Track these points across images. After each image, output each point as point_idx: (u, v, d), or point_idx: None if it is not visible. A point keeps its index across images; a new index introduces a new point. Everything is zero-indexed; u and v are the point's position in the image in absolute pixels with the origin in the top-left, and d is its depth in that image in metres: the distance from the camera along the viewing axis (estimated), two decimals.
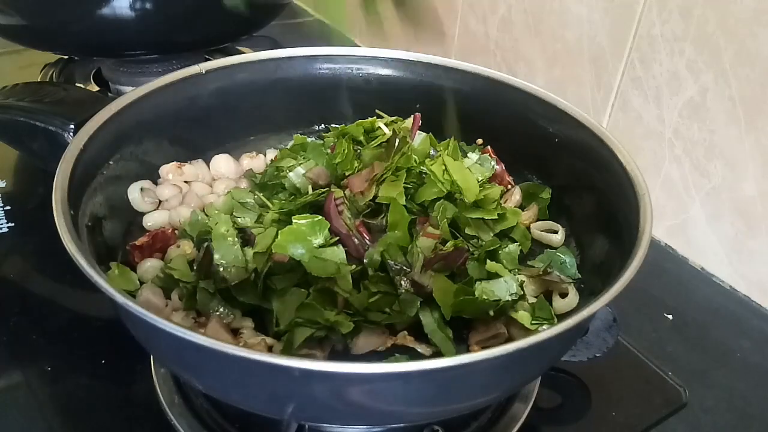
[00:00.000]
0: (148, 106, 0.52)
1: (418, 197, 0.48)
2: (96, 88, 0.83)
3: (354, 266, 0.44)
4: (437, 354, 0.43)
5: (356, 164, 0.51)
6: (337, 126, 0.60)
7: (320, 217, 0.44)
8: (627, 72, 0.69)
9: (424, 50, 0.69)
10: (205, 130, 0.56)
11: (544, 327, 0.43)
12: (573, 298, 0.47)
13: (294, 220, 0.44)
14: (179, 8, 0.72)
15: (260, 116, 0.60)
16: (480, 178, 0.51)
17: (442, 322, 0.43)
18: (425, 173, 0.49)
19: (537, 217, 0.54)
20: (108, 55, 0.79)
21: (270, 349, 0.41)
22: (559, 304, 0.47)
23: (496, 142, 0.57)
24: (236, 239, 0.45)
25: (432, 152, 0.53)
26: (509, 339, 0.44)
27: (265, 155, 0.59)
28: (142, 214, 0.51)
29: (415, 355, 0.43)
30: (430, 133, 0.55)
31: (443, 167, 0.48)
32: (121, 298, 0.33)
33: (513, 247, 0.49)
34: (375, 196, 0.47)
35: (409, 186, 0.48)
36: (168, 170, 0.54)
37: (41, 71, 0.87)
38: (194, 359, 0.36)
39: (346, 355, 0.42)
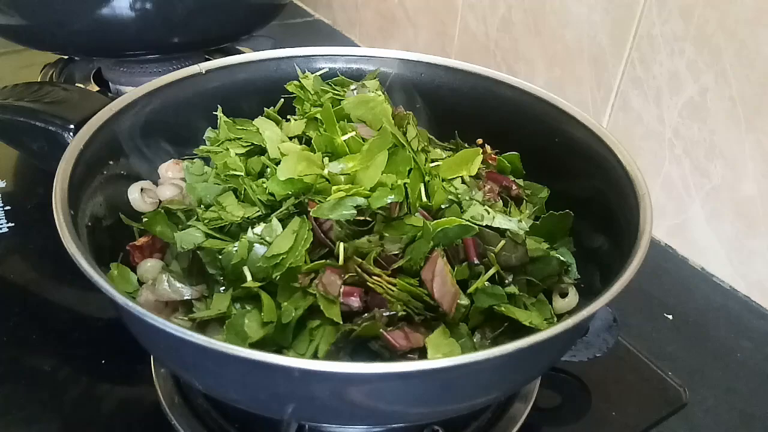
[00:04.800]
0: (148, 106, 0.52)
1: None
2: (96, 88, 0.83)
3: None
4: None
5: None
6: None
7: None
8: (627, 72, 0.69)
9: (424, 50, 0.69)
10: (205, 130, 0.56)
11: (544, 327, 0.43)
12: (573, 298, 0.47)
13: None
14: (179, 8, 0.72)
15: (261, 116, 0.60)
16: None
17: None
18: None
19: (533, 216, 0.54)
20: (108, 55, 0.80)
21: None
22: (559, 304, 0.47)
23: (496, 142, 0.57)
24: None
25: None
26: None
27: None
28: (142, 214, 0.51)
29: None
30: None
31: None
32: (121, 298, 0.33)
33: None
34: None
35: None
36: (167, 168, 0.54)
37: (41, 71, 0.88)
38: (194, 359, 0.36)
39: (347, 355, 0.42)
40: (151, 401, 0.48)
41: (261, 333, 0.38)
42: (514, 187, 0.52)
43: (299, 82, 0.57)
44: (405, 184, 0.46)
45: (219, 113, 0.54)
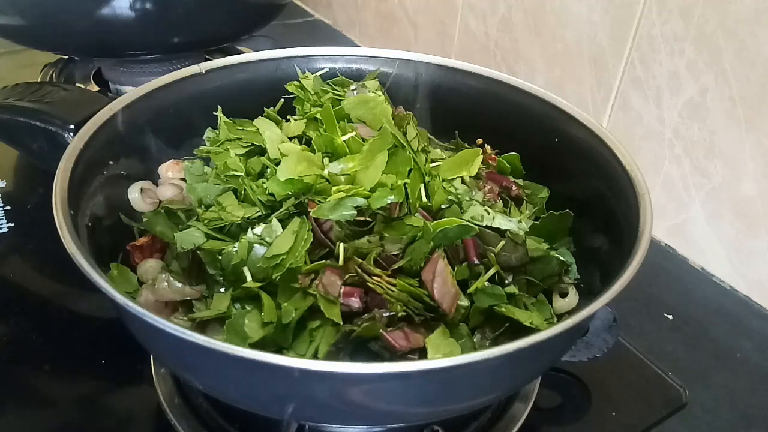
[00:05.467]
0: (148, 106, 0.52)
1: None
2: (96, 88, 0.83)
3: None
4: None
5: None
6: None
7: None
8: (627, 72, 0.69)
9: (424, 50, 0.69)
10: (205, 130, 0.56)
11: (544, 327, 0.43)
12: (573, 298, 0.47)
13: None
14: (179, 8, 0.72)
15: (260, 116, 0.60)
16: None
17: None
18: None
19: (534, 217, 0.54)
20: (108, 55, 0.80)
21: None
22: (559, 304, 0.47)
23: (496, 142, 0.57)
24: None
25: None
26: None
27: None
28: (142, 214, 0.51)
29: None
30: None
31: None
32: (121, 298, 0.33)
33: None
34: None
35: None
36: (167, 168, 0.54)
37: (41, 71, 0.88)
38: (194, 359, 0.36)
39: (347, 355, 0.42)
40: (151, 401, 0.48)
41: (261, 333, 0.38)
42: (514, 187, 0.52)
43: (299, 82, 0.57)
44: (405, 184, 0.46)
45: (219, 113, 0.54)
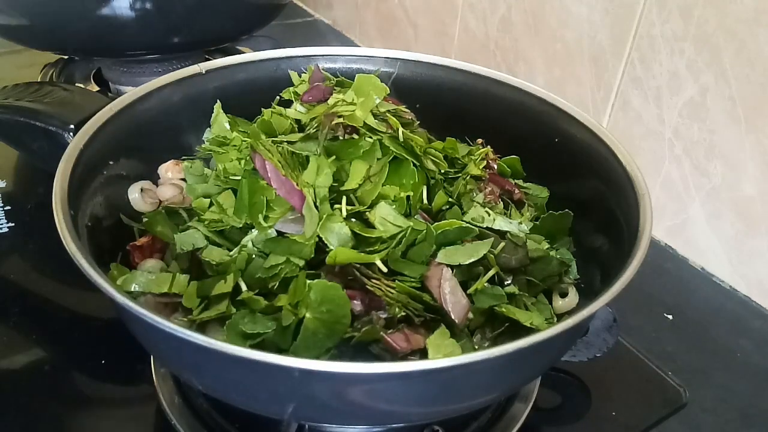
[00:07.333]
0: (148, 106, 0.52)
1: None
2: (96, 88, 0.83)
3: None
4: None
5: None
6: None
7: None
8: (627, 72, 0.69)
9: (424, 50, 0.69)
10: (205, 130, 0.56)
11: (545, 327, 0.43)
12: (573, 298, 0.47)
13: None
14: (179, 8, 0.72)
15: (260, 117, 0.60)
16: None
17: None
18: None
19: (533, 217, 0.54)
20: (108, 55, 0.80)
21: None
22: (559, 304, 0.47)
23: (496, 142, 0.57)
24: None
25: None
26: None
27: None
28: (142, 214, 0.51)
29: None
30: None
31: None
32: (121, 298, 0.33)
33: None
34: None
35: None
36: (167, 168, 0.54)
37: (41, 71, 0.88)
38: (194, 359, 0.36)
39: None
40: (151, 401, 0.48)
41: (261, 334, 0.38)
42: (516, 191, 0.52)
43: (294, 88, 0.57)
44: (408, 196, 0.46)
45: (217, 107, 0.53)
